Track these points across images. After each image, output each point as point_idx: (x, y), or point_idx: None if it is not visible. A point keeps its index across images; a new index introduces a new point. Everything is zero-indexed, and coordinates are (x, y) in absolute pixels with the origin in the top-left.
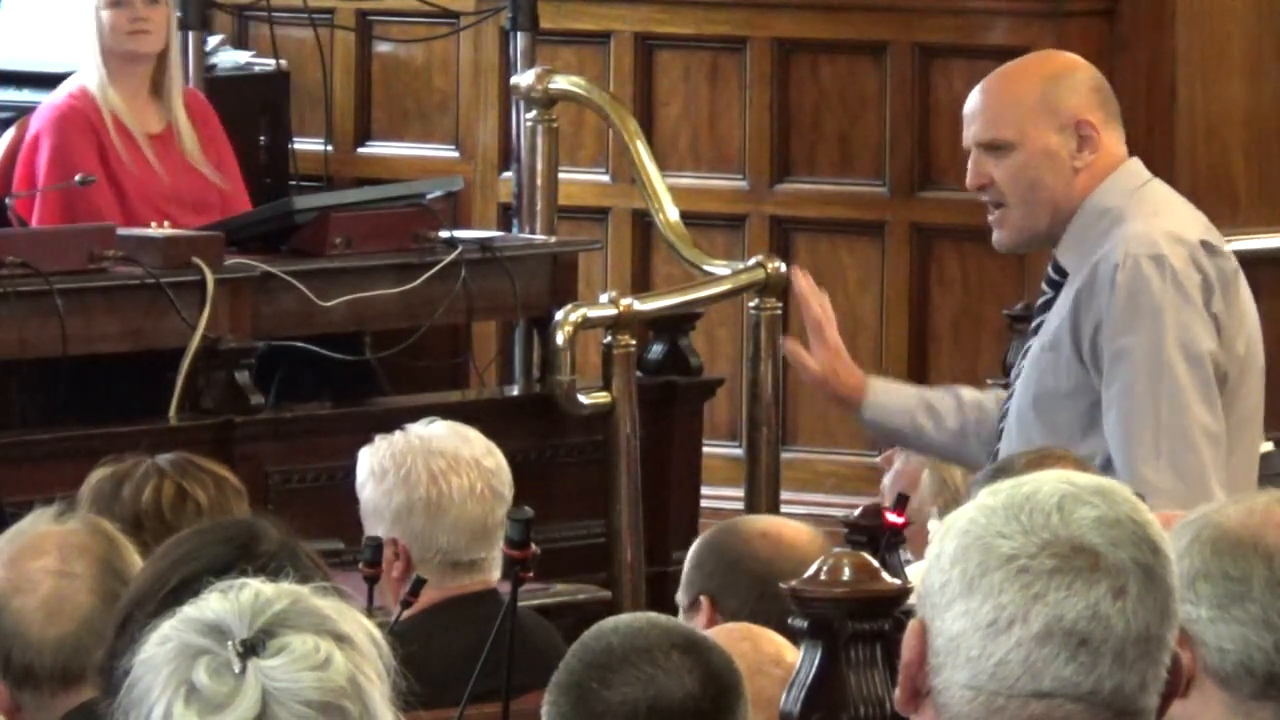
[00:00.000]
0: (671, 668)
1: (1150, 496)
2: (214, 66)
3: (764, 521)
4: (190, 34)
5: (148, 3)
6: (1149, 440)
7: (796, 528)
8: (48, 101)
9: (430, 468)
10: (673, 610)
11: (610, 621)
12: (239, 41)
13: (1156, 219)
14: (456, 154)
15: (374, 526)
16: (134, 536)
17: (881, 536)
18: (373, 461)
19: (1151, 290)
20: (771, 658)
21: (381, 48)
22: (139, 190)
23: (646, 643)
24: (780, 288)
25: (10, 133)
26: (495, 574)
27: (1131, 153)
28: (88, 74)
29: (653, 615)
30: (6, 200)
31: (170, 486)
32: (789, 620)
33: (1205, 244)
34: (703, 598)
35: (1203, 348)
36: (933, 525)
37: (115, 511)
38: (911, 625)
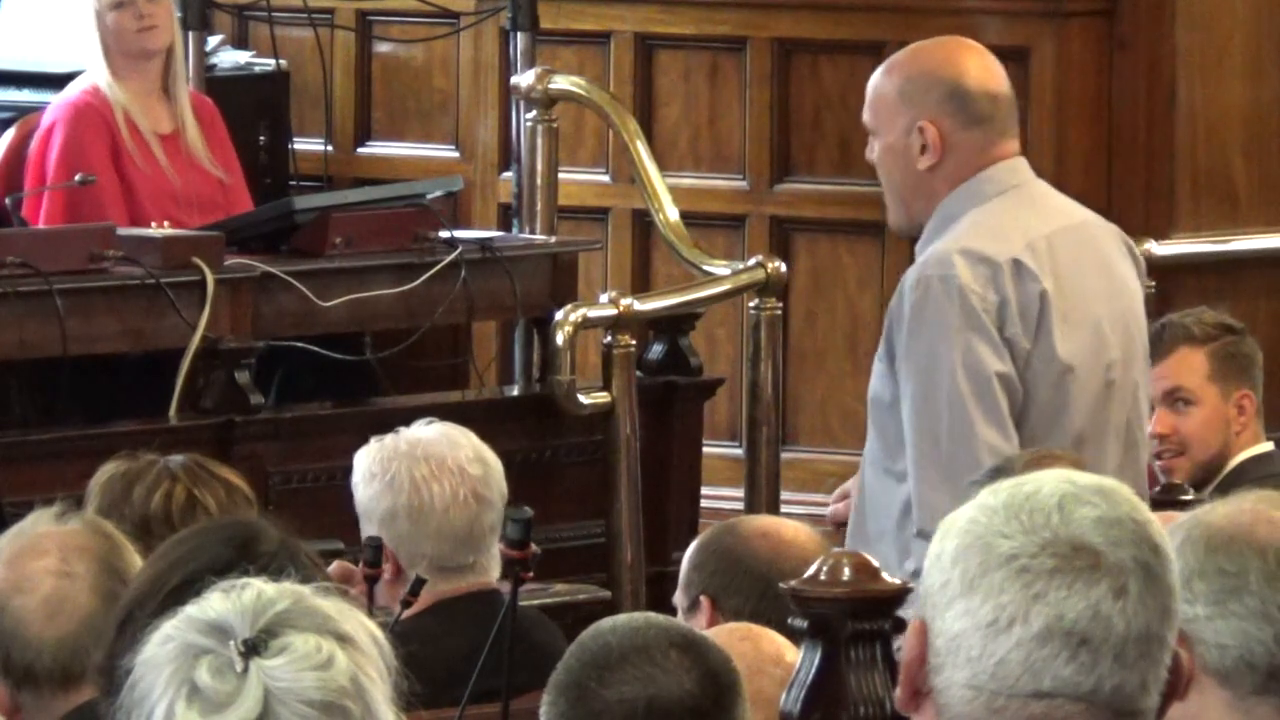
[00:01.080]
0: (670, 666)
1: (934, 521)
2: (214, 66)
3: (764, 521)
4: (190, 34)
5: None
6: (930, 464)
7: (796, 527)
8: (63, 95)
9: (413, 474)
10: (672, 610)
11: (608, 621)
12: (239, 41)
13: (970, 236)
14: (456, 154)
15: (367, 528)
16: (141, 540)
17: None
18: (364, 463)
19: (938, 311)
20: (772, 658)
21: (381, 48)
22: (148, 190)
23: (644, 641)
24: (780, 287)
25: (10, 133)
26: (491, 575)
27: (1132, 152)
28: (98, 73)
29: (651, 615)
30: (8, 200)
31: (181, 492)
32: (789, 620)
33: (1017, 263)
34: (703, 598)
35: (989, 369)
36: None
37: (124, 513)
38: (912, 625)
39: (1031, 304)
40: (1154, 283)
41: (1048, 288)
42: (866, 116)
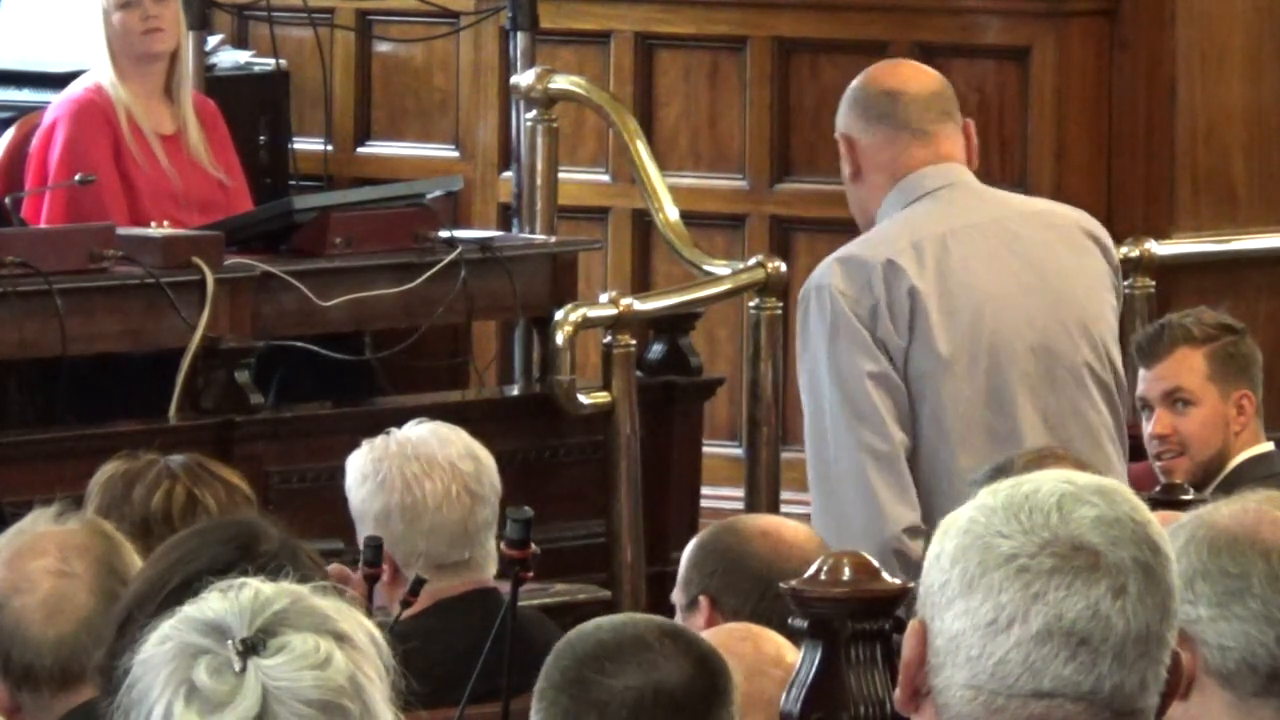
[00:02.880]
0: (669, 653)
1: (824, 535)
2: (214, 66)
3: (763, 521)
4: (190, 34)
5: (156, 0)
6: (818, 486)
7: (796, 527)
8: (65, 93)
9: (404, 473)
10: (671, 610)
11: (588, 624)
12: (239, 41)
13: (856, 243)
14: (456, 154)
15: (361, 530)
16: (141, 540)
17: None
18: (356, 467)
19: (816, 322)
20: (772, 658)
21: (381, 47)
22: (150, 190)
23: (637, 632)
24: (780, 287)
25: (11, 132)
26: (487, 573)
27: (1132, 152)
28: (102, 72)
29: (630, 613)
30: (7, 199)
31: (181, 492)
32: (789, 620)
33: (890, 264)
34: (702, 598)
35: (860, 370)
36: None
37: (124, 513)
38: (911, 625)
39: (902, 301)
40: (1154, 283)
41: (918, 284)
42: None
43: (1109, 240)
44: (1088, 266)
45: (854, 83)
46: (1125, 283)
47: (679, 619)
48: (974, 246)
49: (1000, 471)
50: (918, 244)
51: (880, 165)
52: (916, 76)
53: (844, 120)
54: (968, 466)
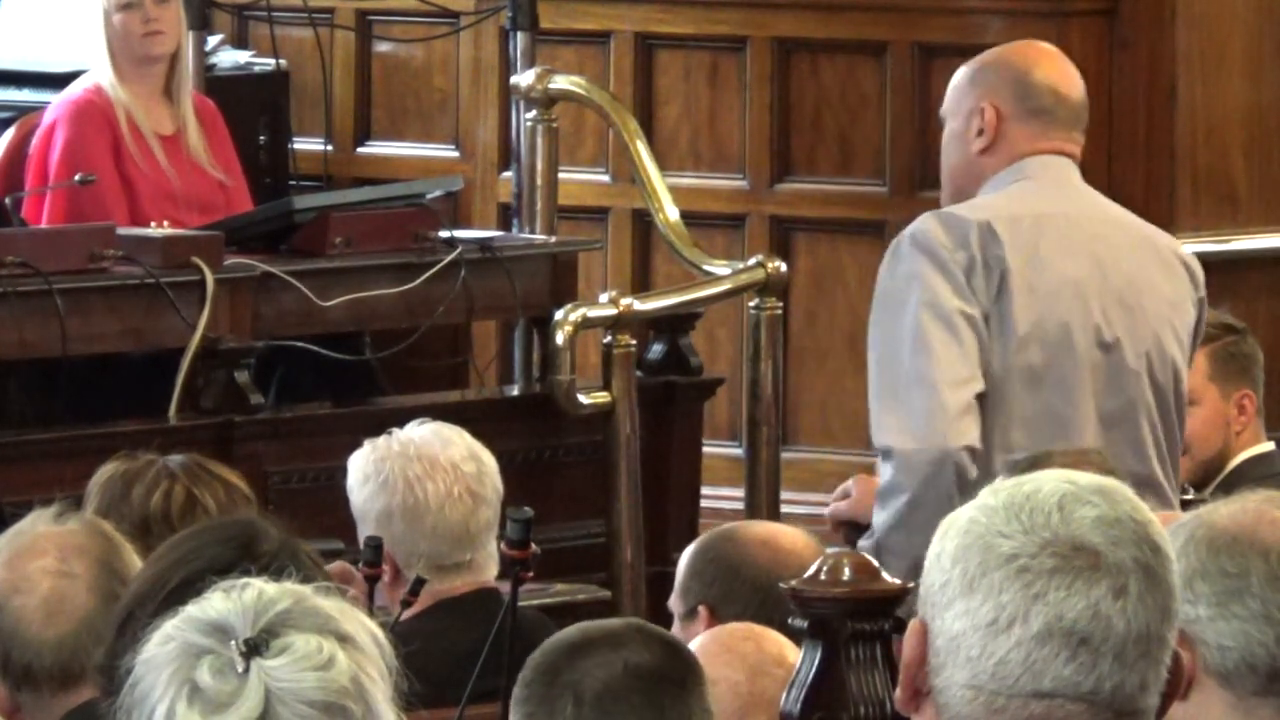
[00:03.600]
0: (636, 642)
1: (887, 436)
2: (214, 66)
3: (761, 528)
4: (190, 34)
5: (157, 2)
6: (888, 385)
7: (794, 534)
8: (65, 94)
9: (406, 474)
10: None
11: (559, 633)
12: (239, 41)
13: (956, 206)
14: (456, 154)
15: (362, 530)
16: (140, 540)
17: None
18: (358, 467)
19: (908, 262)
20: (775, 658)
21: (381, 47)
22: (149, 190)
23: (607, 628)
24: (780, 287)
25: (10, 132)
26: (488, 574)
27: (1132, 152)
28: (101, 72)
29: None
30: (7, 199)
31: (181, 492)
32: (789, 621)
33: (988, 225)
34: (701, 608)
35: (950, 305)
36: None
37: (123, 513)
38: (912, 625)
39: (993, 265)
40: None
41: (1009, 256)
42: (943, 106)
43: (1199, 270)
44: (1173, 288)
45: (1015, 61)
46: None
47: (676, 627)
48: (1064, 235)
49: (1035, 463)
50: (1015, 217)
51: (1013, 151)
52: (1075, 81)
53: (997, 92)
54: (1019, 442)
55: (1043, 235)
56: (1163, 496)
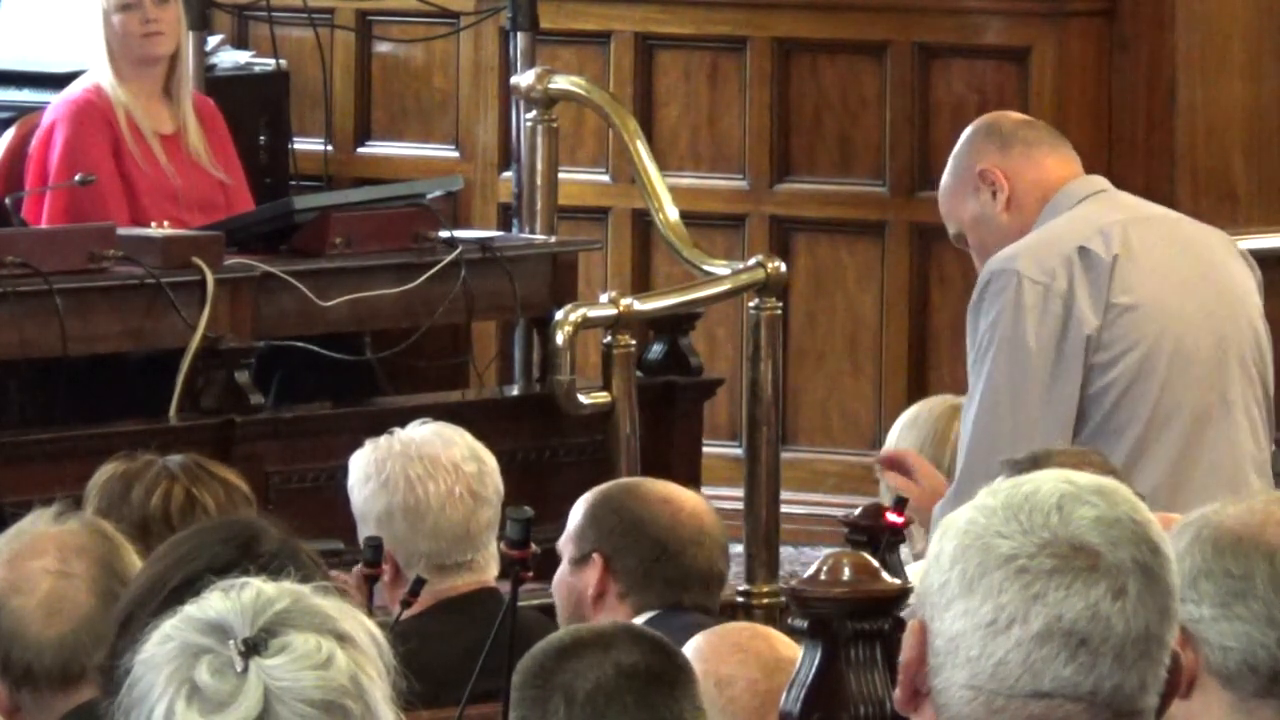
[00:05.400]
0: (625, 642)
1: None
2: (214, 66)
3: (663, 487)
4: (190, 34)
5: (157, 3)
6: (973, 413)
7: (694, 498)
8: (64, 94)
9: (408, 473)
10: None
11: (551, 636)
12: (239, 41)
13: (1031, 239)
14: (456, 154)
15: (363, 530)
16: (140, 541)
17: (881, 536)
18: (359, 467)
19: (985, 305)
20: (788, 658)
21: (381, 48)
22: (149, 190)
23: (599, 631)
24: (780, 287)
25: (10, 132)
26: (489, 574)
27: (1131, 152)
28: (101, 73)
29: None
30: (8, 199)
31: (180, 492)
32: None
33: (1082, 249)
34: (596, 555)
35: (1030, 344)
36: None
37: (123, 513)
38: (911, 625)
39: (1101, 279)
40: None
41: (1119, 255)
42: (949, 227)
43: (1250, 259)
44: (1241, 276)
45: (976, 127)
46: None
47: (564, 571)
48: (1152, 234)
49: (1036, 463)
50: (1104, 230)
51: (1031, 183)
52: (1030, 117)
53: (974, 158)
54: (1159, 417)
55: (1133, 239)
56: (1266, 476)
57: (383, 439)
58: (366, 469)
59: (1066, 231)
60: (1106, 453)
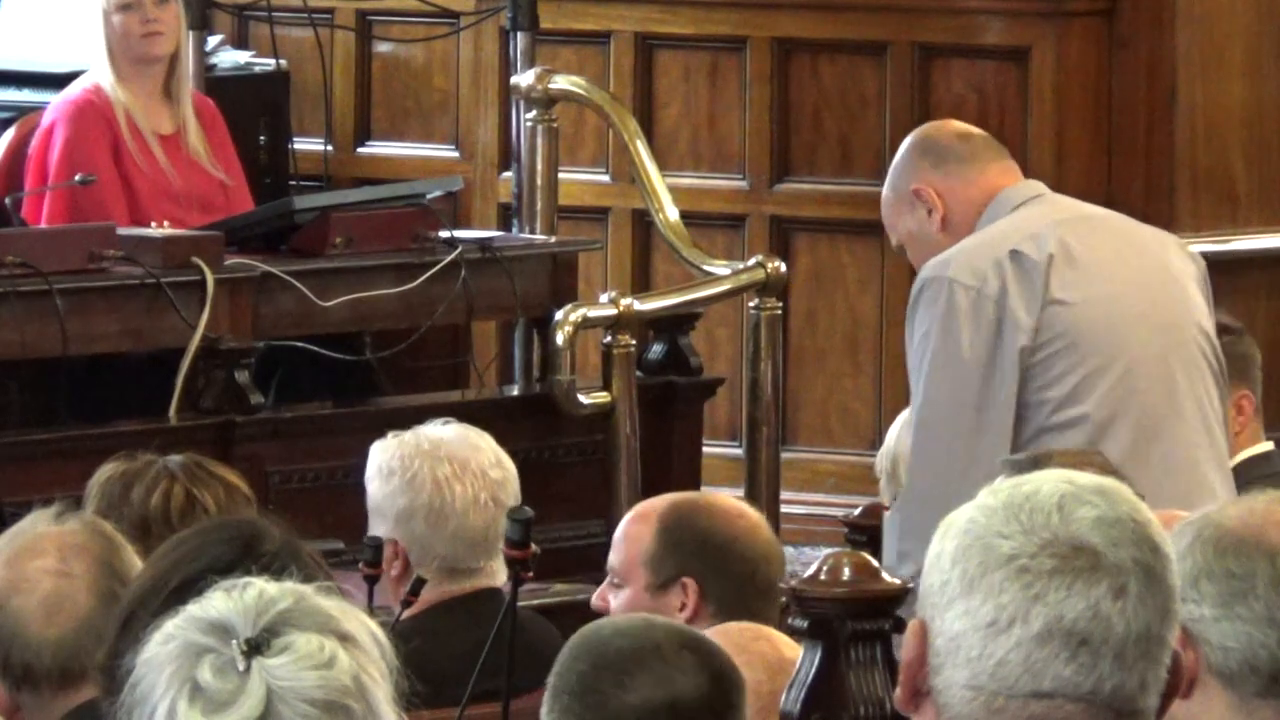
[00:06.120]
0: (685, 666)
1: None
2: (214, 66)
3: (729, 501)
4: (190, 34)
5: (157, 3)
6: (913, 430)
7: (752, 508)
8: (64, 94)
9: (436, 474)
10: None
11: (606, 624)
12: (239, 41)
13: (965, 243)
14: (456, 154)
15: (377, 524)
16: (140, 541)
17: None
18: (382, 459)
19: (917, 314)
20: (790, 659)
21: (381, 48)
22: (149, 190)
23: (655, 643)
24: (780, 287)
25: (10, 132)
26: (498, 581)
27: (1132, 152)
28: (101, 73)
29: (646, 615)
30: (8, 199)
31: (180, 492)
32: (789, 620)
33: (1014, 253)
34: (687, 579)
35: (964, 354)
36: None
37: (123, 513)
38: (911, 625)
39: (1035, 281)
40: None
41: (1054, 255)
42: (891, 238)
43: (1194, 252)
44: (1185, 271)
45: (910, 142)
46: None
47: (636, 597)
48: (1092, 234)
49: (1036, 463)
50: (1037, 233)
51: (969, 198)
52: (959, 127)
53: (909, 176)
54: (1105, 416)
55: (1070, 240)
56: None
57: (408, 435)
58: (390, 463)
59: (999, 236)
60: (1065, 443)
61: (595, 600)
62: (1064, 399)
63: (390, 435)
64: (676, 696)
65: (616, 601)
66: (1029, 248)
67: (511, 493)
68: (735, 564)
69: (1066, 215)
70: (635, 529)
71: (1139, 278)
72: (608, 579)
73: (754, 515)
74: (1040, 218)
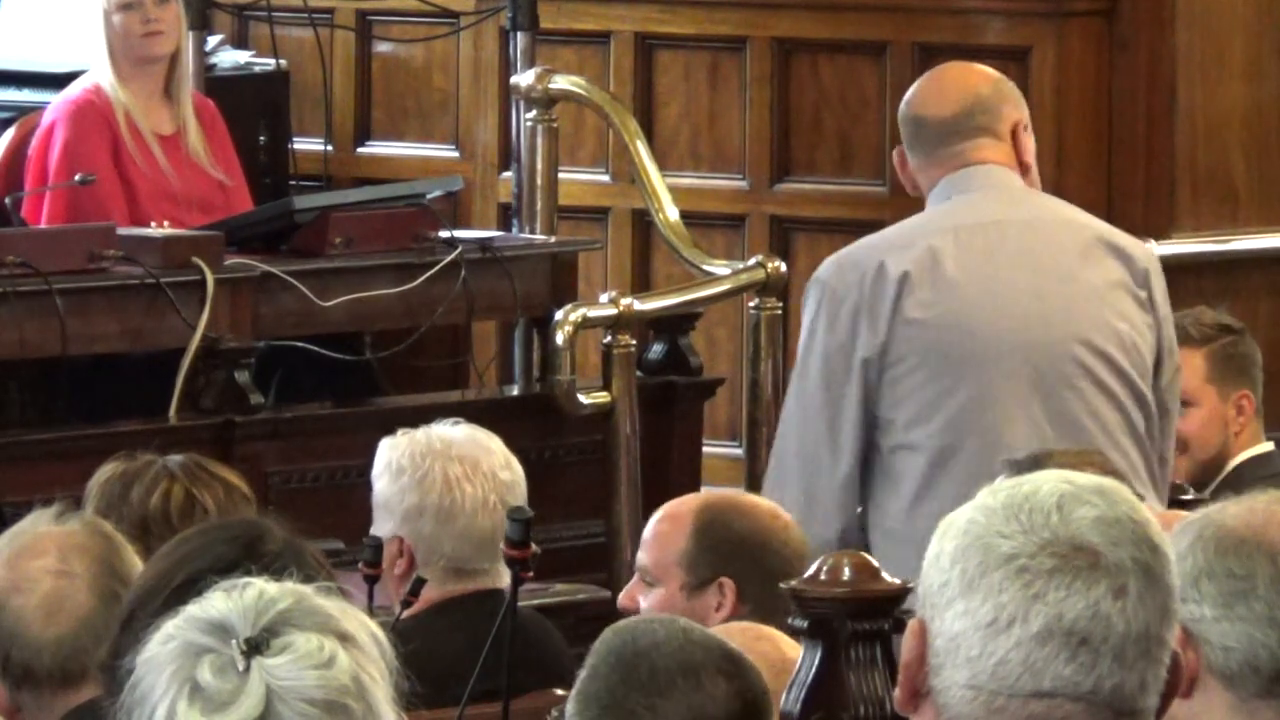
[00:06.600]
0: (719, 694)
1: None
2: (214, 66)
3: (762, 502)
4: (190, 34)
5: (157, 3)
6: (786, 446)
7: (781, 509)
8: (64, 94)
9: (447, 474)
10: None
11: (645, 632)
12: (239, 41)
13: (869, 238)
14: (456, 154)
15: (383, 520)
16: (140, 540)
17: None
18: (391, 456)
19: (805, 312)
20: (794, 661)
21: (381, 48)
22: (149, 190)
23: (693, 664)
24: (780, 287)
25: (10, 132)
26: (502, 581)
27: (1132, 152)
28: (101, 73)
29: (688, 627)
30: (8, 199)
31: (180, 491)
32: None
33: (880, 266)
34: (724, 579)
35: (817, 363)
36: None
37: (123, 513)
38: (911, 625)
39: (886, 300)
40: None
41: (911, 276)
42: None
43: (1135, 251)
44: (1097, 276)
45: (904, 99)
46: None
47: (670, 597)
48: (981, 243)
49: (1036, 463)
50: (907, 246)
51: (925, 178)
52: (940, 99)
53: (903, 137)
54: (950, 440)
55: (946, 253)
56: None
57: (419, 433)
58: (400, 461)
59: (881, 241)
60: (907, 466)
61: (623, 599)
62: (910, 420)
63: (400, 433)
64: (703, 712)
65: (648, 601)
66: (892, 261)
67: (520, 496)
68: (772, 564)
69: (966, 220)
70: (667, 529)
71: (1017, 295)
72: (636, 578)
73: (785, 516)
74: (934, 221)
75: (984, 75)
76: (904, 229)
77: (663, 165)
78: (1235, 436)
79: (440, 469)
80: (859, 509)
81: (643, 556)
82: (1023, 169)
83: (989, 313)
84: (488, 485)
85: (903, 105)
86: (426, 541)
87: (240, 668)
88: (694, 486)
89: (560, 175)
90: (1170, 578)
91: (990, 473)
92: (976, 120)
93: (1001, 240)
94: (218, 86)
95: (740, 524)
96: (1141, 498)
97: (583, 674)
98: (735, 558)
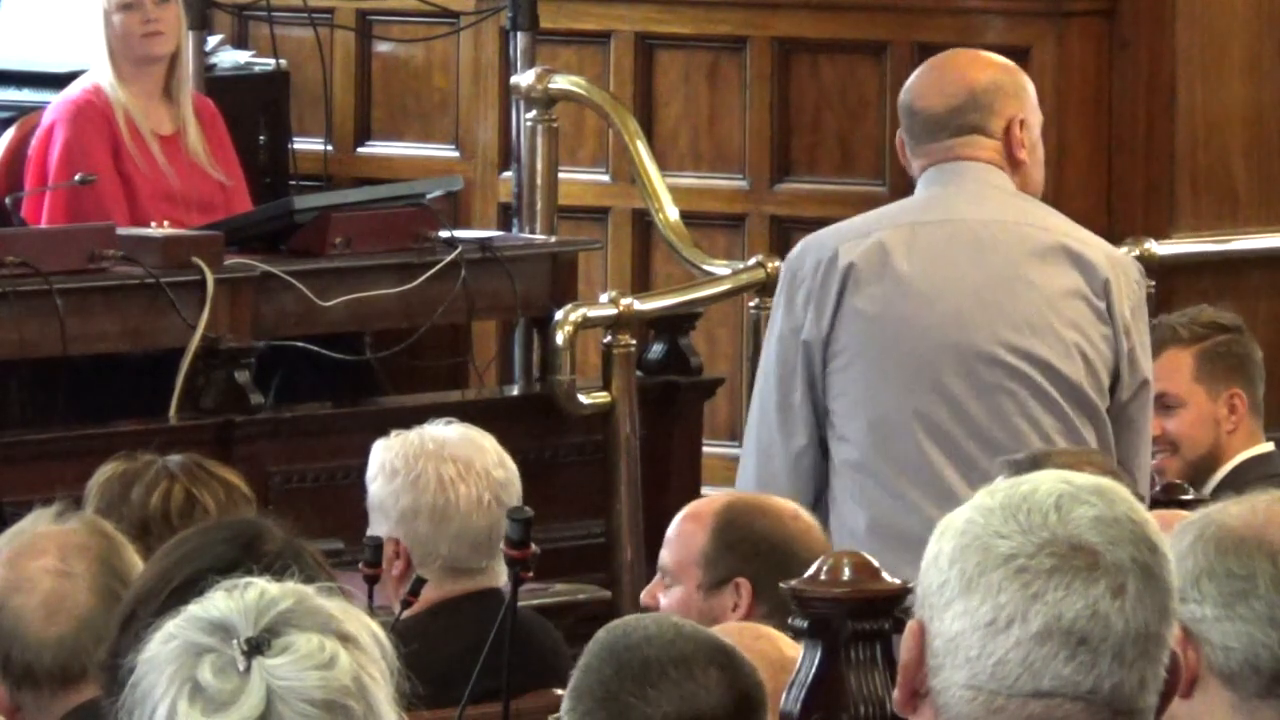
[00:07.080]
0: (711, 684)
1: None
2: (214, 66)
3: (783, 503)
4: (190, 34)
5: (157, 3)
6: (756, 423)
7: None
8: (64, 94)
9: (440, 474)
10: None
11: (637, 627)
12: (239, 41)
13: (837, 225)
14: (456, 154)
15: (378, 522)
16: (140, 540)
17: None
18: (385, 458)
19: (778, 287)
20: (794, 660)
21: (381, 47)
22: (149, 190)
23: (684, 656)
24: None
25: (10, 132)
26: (499, 582)
27: (1132, 152)
28: (101, 73)
29: (679, 623)
30: (8, 199)
31: (180, 492)
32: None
33: (834, 254)
34: (740, 580)
35: (774, 346)
36: None
37: (123, 513)
38: (910, 626)
39: (831, 291)
40: (1153, 282)
41: (857, 269)
42: None
43: (1098, 259)
44: (1051, 282)
45: (904, 88)
46: None
47: (687, 596)
48: (931, 239)
49: (1035, 463)
50: (862, 236)
51: (914, 169)
52: (934, 92)
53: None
54: (887, 451)
55: (895, 250)
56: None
57: (412, 434)
58: (394, 463)
59: (847, 228)
60: (844, 457)
61: (644, 598)
62: (844, 411)
63: (393, 434)
64: (698, 714)
65: (667, 600)
66: (844, 250)
67: (514, 494)
68: (791, 566)
69: (926, 217)
70: (689, 528)
71: (958, 295)
72: (657, 577)
73: (807, 517)
74: (895, 214)
75: (985, 68)
76: (869, 218)
77: (663, 165)
78: (1229, 435)
79: (434, 470)
80: (814, 497)
81: (664, 555)
82: (1013, 165)
83: (926, 311)
84: (482, 484)
85: (903, 91)
86: (422, 542)
87: (241, 668)
88: (694, 486)
89: (560, 175)
90: (1169, 577)
91: (918, 468)
92: (967, 118)
93: (955, 240)
94: (218, 86)
95: (760, 525)
96: None
97: (577, 671)
98: (753, 558)
